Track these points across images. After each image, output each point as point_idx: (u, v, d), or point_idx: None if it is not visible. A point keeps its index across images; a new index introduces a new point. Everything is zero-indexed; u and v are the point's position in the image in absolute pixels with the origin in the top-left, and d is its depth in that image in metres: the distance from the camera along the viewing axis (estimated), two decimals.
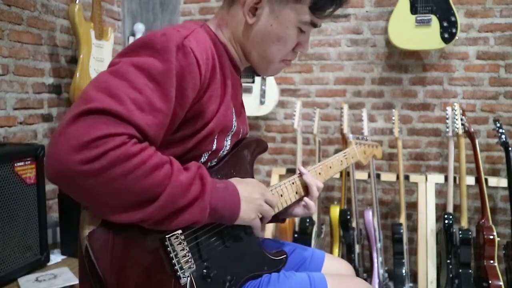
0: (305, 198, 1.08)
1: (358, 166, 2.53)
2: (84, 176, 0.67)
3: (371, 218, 2.20)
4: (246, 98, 2.51)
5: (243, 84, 2.49)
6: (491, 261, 1.94)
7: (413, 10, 2.26)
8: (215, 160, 0.93)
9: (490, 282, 1.89)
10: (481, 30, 2.38)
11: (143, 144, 0.73)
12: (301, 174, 1.10)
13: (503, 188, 2.32)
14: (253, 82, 2.50)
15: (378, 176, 2.37)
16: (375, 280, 2.15)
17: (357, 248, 2.24)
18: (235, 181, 0.89)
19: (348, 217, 2.24)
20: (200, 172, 0.80)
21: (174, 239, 0.81)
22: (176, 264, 0.80)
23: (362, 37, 2.55)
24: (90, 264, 0.75)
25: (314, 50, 2.62)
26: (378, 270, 2.17)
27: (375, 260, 2.19)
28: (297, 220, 2.29)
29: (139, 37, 0.80)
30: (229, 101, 0.91)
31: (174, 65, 0.75)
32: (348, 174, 2.34)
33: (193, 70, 0.77)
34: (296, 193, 1.07)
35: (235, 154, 0.99)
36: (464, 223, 2.09)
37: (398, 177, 2.32)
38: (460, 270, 1.99)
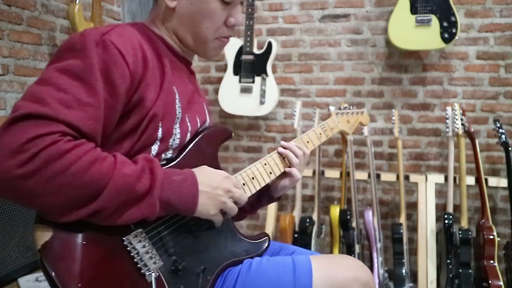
0: (286, 168, 1.08)
1: (358, 166, 2.53)
2: (22, 179, 0.68)
3: (371, 218, 2.20)
4: (246, 98, 2.51)
5: (243, 84, 2.51)
6: (491, 261, 1.94)
7: (413, 10, 2.26)
8: (170, 152, 0.92)
9: (490, 282, 1.89)
10: (481, 30, 2.38)
11: (78, 141, 0.74)
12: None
13: (503, 188, 2.32)
14: (253, 82, 2.50)
15: (378, 176, 2.37)
16: (375, 280, 2.15)
17: (357, 248, 2.24)
18: (199, 172, 0.87)
19: (348, 217, 2.23)
20: (150, 165, 0.80)
21: (133, 237, 0.81)
22: (139, 262, 0.80)
23: (362, 37, 2.55)
24: (49, 278, 0.74)
25: (314, 50, 2.62)
26: (378, 270, 2.17)
27: (375, 260, 2.19)
28: (297, 220, 2.29)
29: (62, 43, 0.83)
30: (170, 88, 0.91)
31: (95, 60, 0.77)
32: (348, 174, 2.34)
33: (117, 61, 0.79)
34: (271, 173, 1.05)
35: (195, 145, 0.97)
36: (464, 223, 2.09)
37: (398, 177, 2.32)
38: (460, 270, 1.99)
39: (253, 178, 1.01)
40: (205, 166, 0.91)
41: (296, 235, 2.26)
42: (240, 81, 2.51)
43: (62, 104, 0.73)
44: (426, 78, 2.48)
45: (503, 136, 2.10)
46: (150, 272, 0.81)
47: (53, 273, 0.73)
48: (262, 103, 2.48)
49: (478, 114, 2.42)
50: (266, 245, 1.03)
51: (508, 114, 2.38)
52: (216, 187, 0.87)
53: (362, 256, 2.28)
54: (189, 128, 0.96)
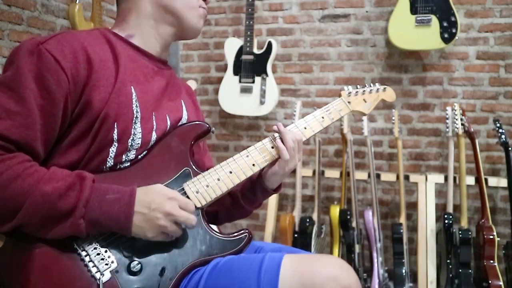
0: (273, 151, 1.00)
1: (358, 166, 2.53)
2: None
3: (371, 218, 2.20)
4: (246, 98, 2.51)
5: (243, 84, 2.51)
6: (491, 261, 1.94)
7: (413, 10, 2.26)
8: (133, 152, 0.89)
9: (490, 282, 1.88)
10: (481, 30, 2.38)
11: (6, 154, 0.76)
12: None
13: (503, 188, 2.32)
14: (253, 82, 2.50)
15: (378, 176, 2.37)
16: (375, 280, 2.15)
17: (357, 248, 2.23)
18: (143, 191, 0.83)
19: (348, 217, 2.23)
20: (80, 183, 0.78)
21: (84, 240, 0.80)
22: (89, 265, 0.79)
23: (362, 37, 2.55)
24: (1, 284, 0.75)
25: (314, 50, 2.62)
26: (378, 270, 2.17)
27: (375, 260, 2.19)
28: (297, 220, 2.29)
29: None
30: (125, 88, 0.88)
31: (26, 69, 0.79)
32: (348, 174, 2.34)
33: (51, 67, 0.80)
34: (254, 165, 0.98)
35: (162, 144, 0.94)
36: (464, 223, 2.09)
37: (398, 177, 2.32)
38: (460, 270, 1.98)
39: (230, 172, 0.96)
40: (156, 185, 0.85)
41: (296, 235, 2.26)
42: (240, 81, 2.51)
43: None
44: (426, 78, 2.48)
45: (503, 136, 2.10)
46: (101, 275, 0.79)
47: (5, 280, 0.75)
48: (262, 103, 2.48)
49: (478, 114, 2.42)
50: (244, 242, 0.93)
51: (508, 114, 2.38)
52: (154, 209, 0.81)
53: (362, 256, 2.28)
54: (155, 126, 0.93)
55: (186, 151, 0.96)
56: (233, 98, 2.51)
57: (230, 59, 2.55)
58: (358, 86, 1.19)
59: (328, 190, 2.66)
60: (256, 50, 2.52)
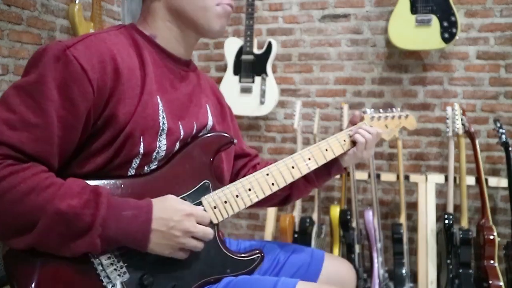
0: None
1: (358, 166, 2.53)
2: None
3: (371, 218, 2.20)
4: (246, 98, 2.51)
5: (243, 84, 2.51)
6: (491, 261, 1.93)
7: (413, 10, 2.25)
8: (155, 163, 0.87)
9: (490, 282, 1.88)
10: (481, 30, 2.38)
11: (20, 165, 0.72)
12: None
13: (504, 188, 2.31)
14: (253, 82, 2.50)
15: (378, 176, 2.37)
16: (375, 280, 2.15)
17: (357, 248, 2.23)
18: (160, 207, 0.80)
19: (348, 217, 2.23)
20: (96, 200, 0.75)
21: (98, 253, 0.78)
22: (101, 274, 0.78)
23: (362, 37, 2.55)
24: (11, 285, 0.74)
25: (314, 50, 2.62)
26: (378, 270, 2.17)
27: (375, 260, 2.18)
28: (297, 220, 2.29)
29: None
30: (151, 99, 0.85)
31: (51, 77, 0.74)
32: (348, 174, 2.33)
33: (77, 78, 0.75)
34: (273, 184, 0.99)
35: (183, 154, 0.91)
36: (464, 223, 2.08)
37: (398, 177, 2.31)
38: (460, 270, 1.98)
39: (249, 190, 0.95)
40: (170, 198, 0.83)
41: (296, 235, 2.26)
42: (240, 81, 2.51)
43: (7, 125, 0.72)
44: (426, 78, 2.48)
45: (503, 136, 2.10)
46: (112, 285, 0.78)
47: (14, 282, 0.73)
48: (262, 103, 2.48)
49: (478, 114, 2.42)
50: (257, 262, 0.94)
51: (508, 114, 2.38)
52: (172, 227, 0.79)
53: (362, 256, 2.27)
54: (181, 136, 0.90)
55: (208, 163, 0.93)
56: (233, 98, 2.50)
57: (230, 59, 2.55)
58: (381, 110, 1.22)
59: (328, 190, 2.66)
60: (256, 50, 2.52)
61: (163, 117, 0.86)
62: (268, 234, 2.37)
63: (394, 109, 1.24)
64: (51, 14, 1.94)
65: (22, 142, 0.72)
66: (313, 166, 1.03)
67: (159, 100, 0.87)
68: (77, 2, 1.88)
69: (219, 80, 2.63)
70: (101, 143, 0.80)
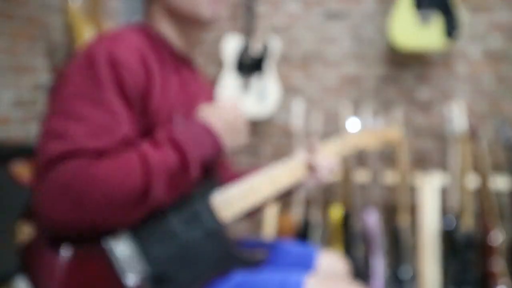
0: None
1: (359, 166, 2.51)
2: (72, 220, 0.71)
3: (372, 218, 2.19)
4: (245, 97, 2.48)
5: (243, 84, 2.48)
6: (494, 263, 1.93)
7: (415, 8, 2.23)
8: None
9: (493, 284, 1.87)
10: (484, 28, 2.36)
11: (116, 152, 0.76)
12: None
13: (507, 188, 2.29)
14: (252, 81, 2.48)
15: (379, 176, 2.35)
16: (376, 281, 2.14)
17: (357, 249, 2.22)
18: (202, 113, 0.90)
19: (349, 217, 2.22)
20: (170, 137, 0.81)
21: (115, 241, 0.79)
22: (118, 268, 0.78)
23: (363, 36, 2.53)
24: (27, 276, 0.76)
25: (315, 49, 2.59)
26: (379, 271, 2.16)
27: (375, 261, 2.17)
28: (297, 220, 2.27)
29: (70, 64, 0.82)
30: (169, 100, 0.89)
31: (106, 78, 0.78)
32: (348, 174, 2.32)
33: (127, 73, 0.80)
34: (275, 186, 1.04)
35: None
36: (467, 224, 2.07)
37: (399, 177, 2.29)
38: (463, 272, 1.97)
39: (253, 190, 0.99)
40: (200, 108, 0.92)
41: (296, 236, 2.24)
42: (239, 80, 2.49)
43: (88, 135, 0.74)
44: (428, 77, 2.46)
45: (506, 136, 2.08)
46: (129, 279, 0.78)
47: (29, 273, 0.75)
48: (262, 102, 2.45)
49: (481, 113, 2.40)
50: (263, 260, 0.99)
51: (511, 113, 2.36)
52: (220, 115, 0.89)
53: (363, 257, 2.26)
54: None
55: (213, 163, 0.96)
56: (232, 96, 2.48)
57: (229, 57, 2.53)
58: (368, 122, 1.27)
59: (328, 190, 2.64)
60: (256, 49, 2.50)
61: (175, 113, 0.90)
62: (268, 234, 2.35)
63: (381, 121, 1.30)
64: (47, 11, 1.92)
65: (106, 148, 0.75)
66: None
67: (174, 102, 0.91)
68: (76, 0, 1.85)
69: (218, 79, 2.61)
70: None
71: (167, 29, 0.95)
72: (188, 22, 0.95)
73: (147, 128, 0.84)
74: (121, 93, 0.79)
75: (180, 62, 0.97)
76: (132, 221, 0.77)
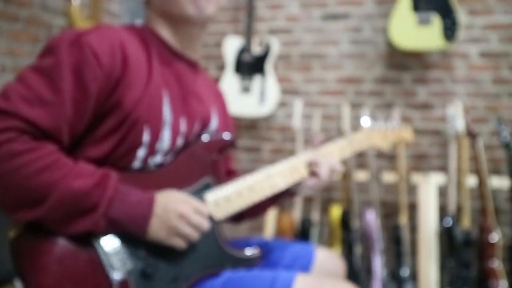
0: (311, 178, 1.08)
1: (359, 166, 2.52)
2: None
3: (372, 218, 2.19)
4: (246, 98, 2.49)
5: (243, 84, 2.49)
6: (493, 263, 1.93)
7: (415, 8, 2.24)
8: (159, 156, 0.90)
9: (492, 283, 1.87)
10: (483, 29, 2.36)
11: (37, 142, 0.76)
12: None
13: (505, 188, 2.30)
14: (253, 82, 2.49)
15: (378, 176, 2.36)
16: (376, 281, 2.14)
17: (357, 249, 2.22)
18: (162, 195, 0.85)
19: (349, 217, 2.22)
20: (104, 182, 0.79)
21: (103, 236, 0.81)
22: (105, 262, 0.79)
23: (362, 36, 2.53)
24: (17, 271, 0.77)
25: (314, 49, 2.60)
26: (379, 271, 2.16)
27: (376, 261, 2.17)
28: (297, 220, 2.28)
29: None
30: (157, 91, 0.88)
31: (66, 59, 0.79)
32: (348, 174, 2.32)
33: (90, 62, 0.80)
34: (272, 186, 1.03)
35: (188, 152, 0.95)
36: (466, 224, 2.07)
37: (398, 177, 2.30)
38: (462, 271, 1.97)
39: (250, 189, 0.98)
40: (173, 191, 0.87)
41: (296, 236, 2.25)
42: (239, 81, 2.50)
43: (24, 100, 0.76)
44: (427, 78, 2.46)
45: (505, 136, 2.09)
46: (115, 274, 0.80)
47: (18, 269, 0.77)
48: (261, 102, 2.46)
49: (480, 113, 2.40)
50: (256, 260, 0.98)
51: (510, 113, 2.36)
52: (169, 211, 0.83)
53: (363, 257, 2.26)
54: (184, 131, 0.93)
55: (210, 161, 0.97)
56: (233, 97, 2.49)
57: (229, 58, 2.54)
58: (381, 121, 1.25)
59: (328, 190, 2.64)
60: (256, 50, 2.51)
61: (167, 109, 0.90)
62: (268, 234, 2.36)
63: (393, 120, 1.27)
64: (48, 12, 1.93)
65: (38, 118, 0.76)
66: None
67: (163, 93, 0.90)
68: (75, 0, 1.86)
69: (218, 80, 2.62)
70: (107, 128, 0.84)
71: (164, 31, 0.96)
72: (180, 22, 0.95)
73: (124, 118, 0.83)
74: (77, 76, 0.79)
75: (177, 59, 0.97)
76: (21, 218, 0.77)
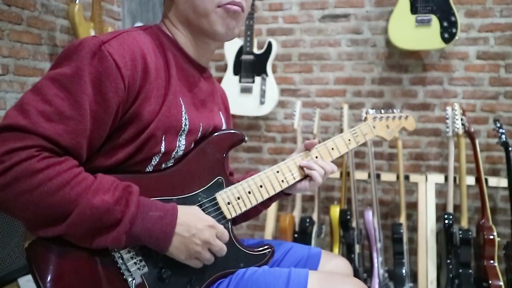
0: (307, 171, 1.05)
1: (358, 166, 2.53)
2: None
3: (371, 218, 2.20)
4: (246, 98, 2.51)
5: (243, 84, 2.51)
6: (491, 261, 1.93)
7: (413, 10, 2.26)
8: (172, 161, 0.90)
9: (490, 282, 1.88)
10: (481, 30, 2.38)
11: (56, 159, 0.74)
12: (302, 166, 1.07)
13: (503, 188, 2.32)
14: (253, 82, 2.50)
15: (378, 176, 2.37)
16: (375, 280, 2.15)
17: (357, 248, 2.23)
18: (185, 213, 0.83)
19: (348, 217, 2.23)
20: (127, 197, 0.77)
21: None
22: (122, 267, 0.80)
23: (362, 37, 2.55)
24: (33, 276, 0.76)
25: (314, 50, 2.62)
26: (378, 270, 2.17)
27: (375, 260, 2.19)
28: (297, 220, 2.29)
29: (64, 48, 0.82)
30: (176, 100, 0.88)
31: (87, 71, 0.76)
32: (348, 174, 2.34)
33: (111, 73, 0.77)
34: (283, 181, 1.02)
35: (197, 151, 0.93)
36: (464, 223, 2.08)
37: (398, 177, 2.31)
38: (460, 270, 1.98)
39: (261, 186, 0.99)
40: (195, 207, 0.87)
41: (296, 235, 2.26)
42: (240, 81, 2.51)
43: (43, 117, 0.73)
44: (426, 78, 2.48)
45: (503, 136, 2.10)
46: (132, 278, 0.80)
47: (35, 274, 0.75)
48: (262, 103, 2.48)
49: (478, 114, 2.42)
50: (268, 257, 0.99)
51: (508, 114, 2.38)
52: (194, 235, 0.82)
53: (362, 256, 2.28)
54: (199, 137, 0.94)
55: (221, 159, 0.96)
56: (233, 98, 2.51)
57: (230, 59, 2.55)
58: (383, 111, 1.24)
59: (328, 190, 2.66)
60: (256, 50, 2.52)
61: (185, 118, 0.89)
62: (268, 234, 2.37)
63: (394, 110, 1.27)
64: (51, 14, 1.94)
65: (58, 134, 0.74)
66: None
67: (182, 102, 0.89)
68: (77, 2, 1.88)
69: (219, 80, 2.64)
70: (125, 138, 0.82)
71: (181, 36, 0.95)
72: (203, 35, 0.94)
73: (142, 130, 0.82)
74: (98, 89, 0.76)
75: (190, 64, 0.96)
76: (43, 235, 0.75)
